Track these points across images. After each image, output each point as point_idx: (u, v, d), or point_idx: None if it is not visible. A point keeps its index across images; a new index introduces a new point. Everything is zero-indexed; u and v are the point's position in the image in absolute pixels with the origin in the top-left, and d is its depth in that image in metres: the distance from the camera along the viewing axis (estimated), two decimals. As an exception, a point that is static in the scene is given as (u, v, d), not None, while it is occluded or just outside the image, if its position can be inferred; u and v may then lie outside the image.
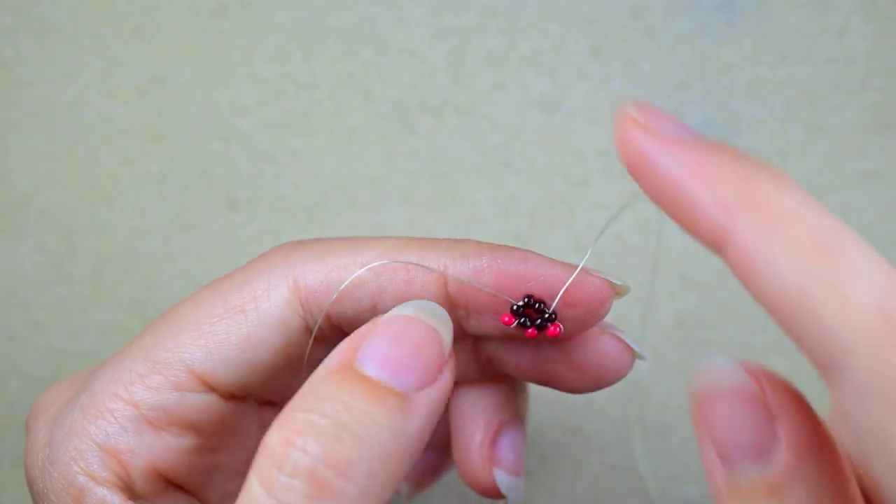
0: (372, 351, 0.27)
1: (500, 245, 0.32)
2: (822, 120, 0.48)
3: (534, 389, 0.39)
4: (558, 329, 0.32)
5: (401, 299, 0.31)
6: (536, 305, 0.32)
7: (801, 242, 0.25)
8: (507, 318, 0.32)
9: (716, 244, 0.25)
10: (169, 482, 0.32)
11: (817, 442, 0.26)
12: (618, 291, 0.32)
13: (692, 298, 0.48)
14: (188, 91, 0.49)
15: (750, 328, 0.48)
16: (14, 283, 0.49)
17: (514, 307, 0.32)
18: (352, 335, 0.28)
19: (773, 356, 0.48)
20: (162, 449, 0.31)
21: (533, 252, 0.32)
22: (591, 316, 0.32)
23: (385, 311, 0.29)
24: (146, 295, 0.48)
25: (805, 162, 0.48)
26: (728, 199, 0.25)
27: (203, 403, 0.32)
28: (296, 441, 0.25)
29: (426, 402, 0.27)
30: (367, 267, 0.31)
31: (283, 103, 0.48)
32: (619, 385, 0.47)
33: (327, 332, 0.33)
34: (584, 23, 0.48)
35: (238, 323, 0.31)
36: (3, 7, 0.49)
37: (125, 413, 0.31)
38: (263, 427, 0.36)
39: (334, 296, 0.32)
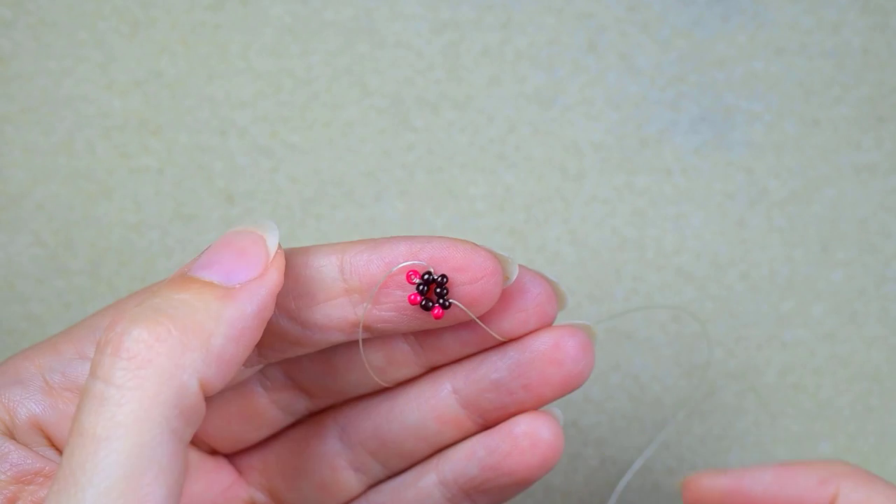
0: (201, 260, 0.31)
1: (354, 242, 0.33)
2: (818, 113, 0.48)
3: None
4: (441, 312, 0.32)
5: None
6: (438, 289, 0.32)
7: None
8: (412, 297, 0.32)
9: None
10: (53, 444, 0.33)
11: None
12: (505, 271, 0.33)
13: (688, 292, 0.48)
14: (185, 85, 0.49)
15: (745, 322, 0.48)
16: (11, 277, 0.49)
17: (417, 286, 0.32)
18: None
19: (769, 349, 0.48)
20: (52, 409, 0.33)
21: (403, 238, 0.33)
22: (485, 293, 0.32)
23: None
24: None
25: (800, 155, 0.48)
26: None
27: None
28: (116, 326, 0.28)
29: (250, 293, 0.30)
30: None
31: (280, 97, 0.49)
32: (614, 378, 0.48)
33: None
34: (579, 17, 0.48)
35: None
36: (1, 1, 0.49)
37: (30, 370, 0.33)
38: None
39: None
